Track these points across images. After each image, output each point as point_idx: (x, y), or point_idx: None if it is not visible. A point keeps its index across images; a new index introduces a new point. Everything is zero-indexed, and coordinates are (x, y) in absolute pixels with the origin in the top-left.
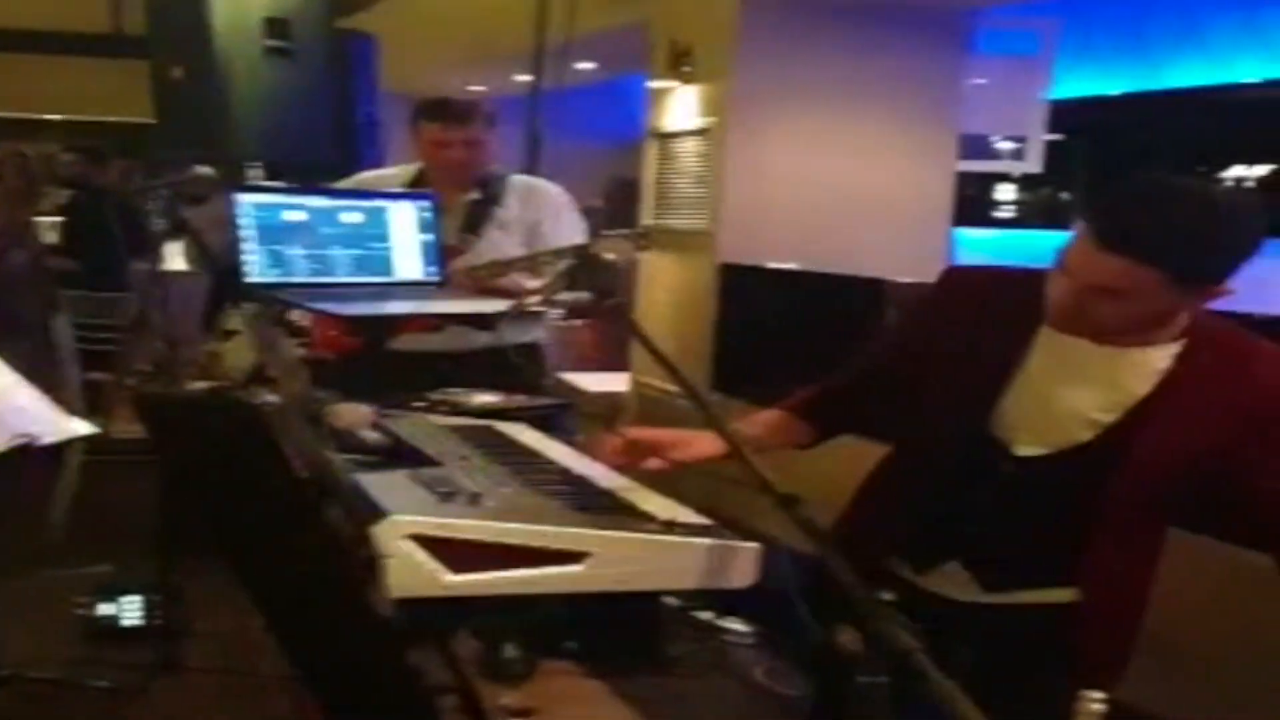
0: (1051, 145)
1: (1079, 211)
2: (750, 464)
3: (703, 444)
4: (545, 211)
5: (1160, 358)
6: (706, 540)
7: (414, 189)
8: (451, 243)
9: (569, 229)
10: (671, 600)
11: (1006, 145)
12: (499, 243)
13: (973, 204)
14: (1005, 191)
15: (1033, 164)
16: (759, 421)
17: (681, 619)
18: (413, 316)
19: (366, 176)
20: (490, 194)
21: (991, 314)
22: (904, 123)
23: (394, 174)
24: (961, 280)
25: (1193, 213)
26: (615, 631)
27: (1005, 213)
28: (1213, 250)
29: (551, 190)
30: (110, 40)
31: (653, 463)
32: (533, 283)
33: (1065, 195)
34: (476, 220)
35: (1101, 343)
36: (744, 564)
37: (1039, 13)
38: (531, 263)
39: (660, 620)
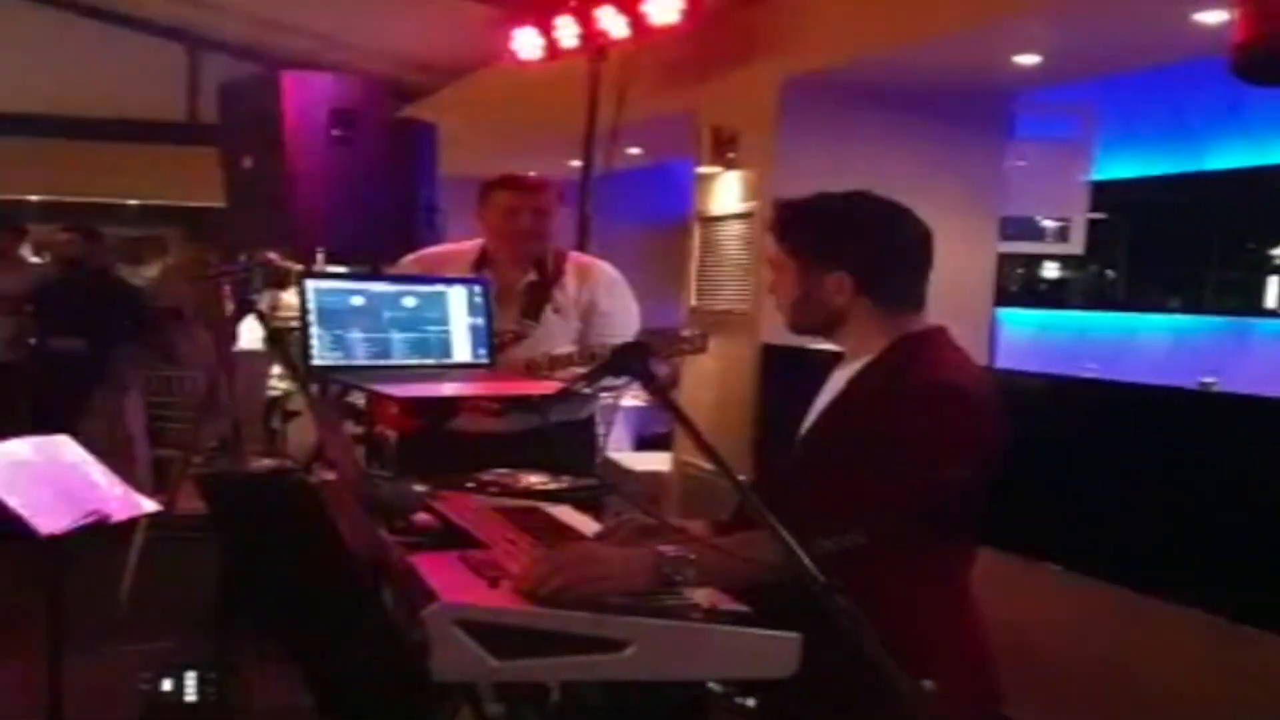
0: (1097, 225)
1: (1123, 290)
2: (791, 546)
3: None
4: (599, 290)
5: (852, 371)
6: (748, 630)
7: (477, 265)
8: (511, 328)
9: (621, 306)
10: (715, 686)
11: (1049, 225)
12: (556, 327)
13: (1019, 284)
14: (1051, 270)
15: (1075, 245)
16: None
17: (726, 706)
18: (463, 398)
19: (431, 252)
20: (547, 275)
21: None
22: (945, 205)
23: (458, 250)
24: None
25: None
26: (658, 718)
27: (1051, 292)
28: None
29: (605, 268)
30: (186, 129)
31: None
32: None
33: (1110, 274)
34: (535, 304)
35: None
36: (784, 653)
37: (1078, 97)
38: (584, 357)
39: (704, 707)
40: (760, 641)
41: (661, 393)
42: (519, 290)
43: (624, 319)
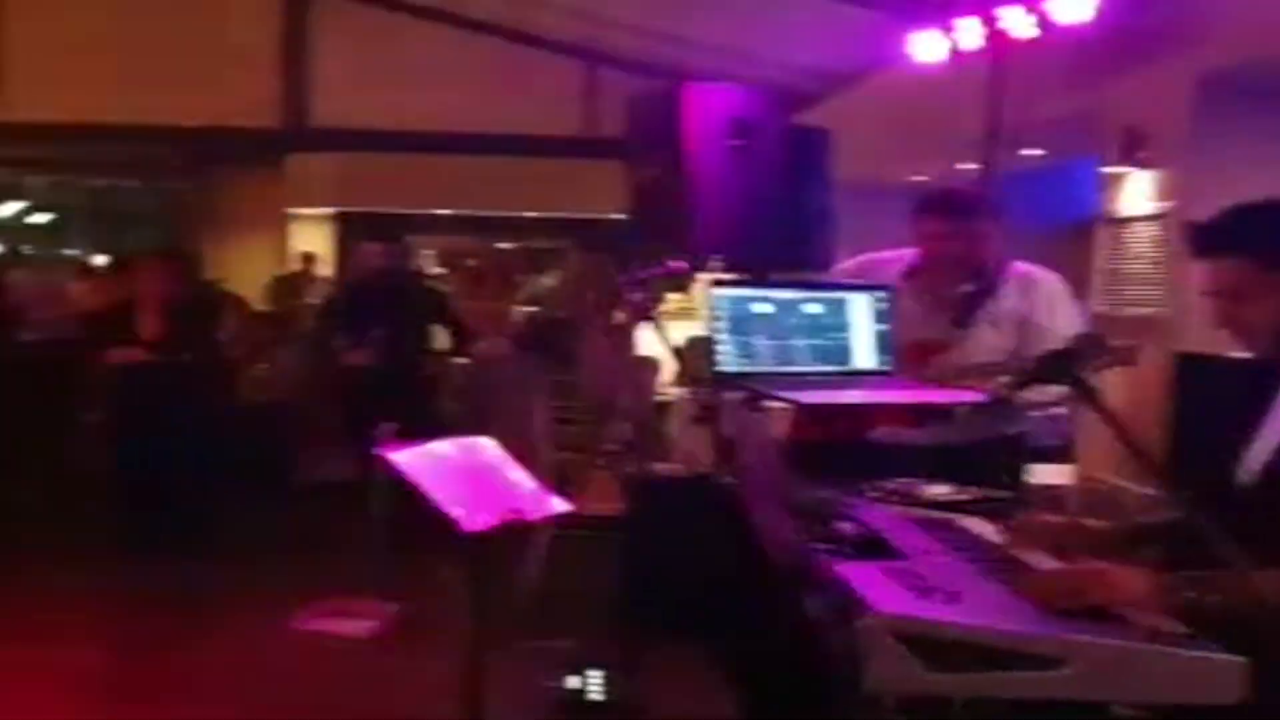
0: None
1: None
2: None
3: None
4: (1038, 305)
5: None
6: (1190, 652)
7: (910, 273)
8: (937, 337)
9: (1063, 321)
10: (1120, 709)
11: None
12: (987, 339)
13: None
14: None
15: None
16: None
17: None
18: (867, 406)
19: (866, 258)
20: (985, 285)
21: None
22: None
23: (893, 256)
24: None
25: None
26: None
27: None
28: None
29: (1047, 280)
30: (582, 143)
31: None
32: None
33: None
34: (967, 315)
35: None
36: (1227, 679)
37: None
38: (1012, 370)
39: None
40: (1204, 665)
41: (1097, 403)
42: (953, 299)
43: (1062, 335)
